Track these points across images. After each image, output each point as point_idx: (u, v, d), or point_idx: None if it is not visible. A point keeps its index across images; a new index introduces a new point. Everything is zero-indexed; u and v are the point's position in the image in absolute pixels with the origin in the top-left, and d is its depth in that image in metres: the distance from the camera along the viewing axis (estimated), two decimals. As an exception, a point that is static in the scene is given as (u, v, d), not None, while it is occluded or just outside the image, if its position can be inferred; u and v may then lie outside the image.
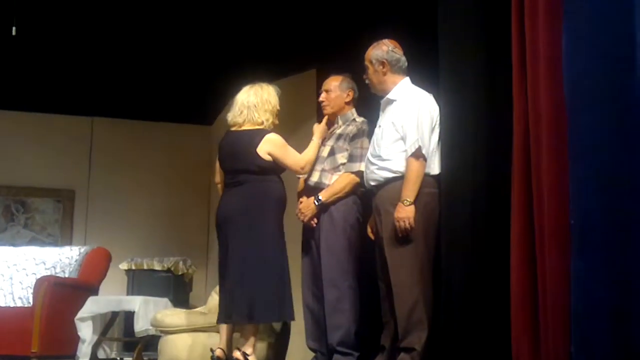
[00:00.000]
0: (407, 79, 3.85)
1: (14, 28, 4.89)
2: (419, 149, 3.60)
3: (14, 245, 6.65)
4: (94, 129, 7.95)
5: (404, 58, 3.85)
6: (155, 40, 6.12)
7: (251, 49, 6.05)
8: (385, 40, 3.88)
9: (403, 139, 3.67)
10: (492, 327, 3.12)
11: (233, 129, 4.14)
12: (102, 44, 6.18)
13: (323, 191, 4.04)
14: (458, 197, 3.38)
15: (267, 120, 4.11)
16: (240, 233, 3.96)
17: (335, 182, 4.05)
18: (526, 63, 2.93)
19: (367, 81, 3.92)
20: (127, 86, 7.05)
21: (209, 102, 7.40)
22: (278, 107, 4.16)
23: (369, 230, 3.97)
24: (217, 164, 4.24)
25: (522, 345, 2.87)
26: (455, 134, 3.46)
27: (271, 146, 4.04)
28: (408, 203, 3.55)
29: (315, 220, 4.06)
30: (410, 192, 3.57)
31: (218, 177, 4.26)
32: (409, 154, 3.61)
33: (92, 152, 7.92)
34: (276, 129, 4.16)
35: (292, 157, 4.09)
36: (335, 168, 4.09)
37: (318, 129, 4.20)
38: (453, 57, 3.47)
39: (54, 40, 6.10)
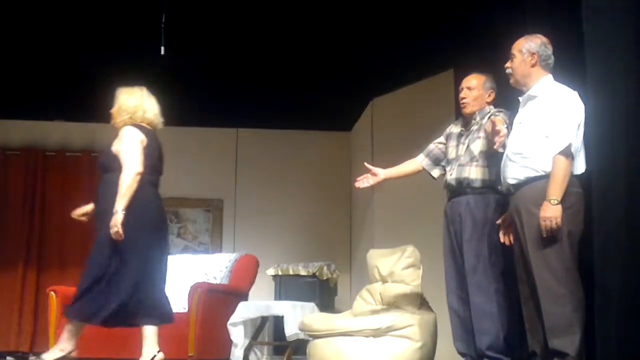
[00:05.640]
0: (550, 76, 3.73)
1: (162, 47, 5.16)
2: (568, 147, 3.47)
3: (169, 253, 6.97)
4: (239, 140, 8.22)
5: (553, 57, 3.73)
6: (294, 51, 6.27)
7: (388, 53, 6.06)
8: (540, 35, 3.75)
9: (548, 136, 3.55)
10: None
11: None
12: (244, 59, 6.42)
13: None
14: (611, 196, 3.22)
15: (122, 121, 4.18)
16: None
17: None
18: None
19: (508, 71, 3.79)
20: (268, 97, 7.26)
21: (347, 108, 7.48)
22: (136, 103, 4.26)
23: (502, 234, 3.82)
24: None
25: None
26: (605, 131, 3.30)
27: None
28: (556, 202, 3.43)
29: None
30: (557, 190, 3.44)
31: None
32: (557, 151, 3.48)
33: (238, 162, 8.20)
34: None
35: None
36: (473, 158, 4.02)
37: None
38: (600, 50, 3.32)
39: (199, 58, 6.38)
